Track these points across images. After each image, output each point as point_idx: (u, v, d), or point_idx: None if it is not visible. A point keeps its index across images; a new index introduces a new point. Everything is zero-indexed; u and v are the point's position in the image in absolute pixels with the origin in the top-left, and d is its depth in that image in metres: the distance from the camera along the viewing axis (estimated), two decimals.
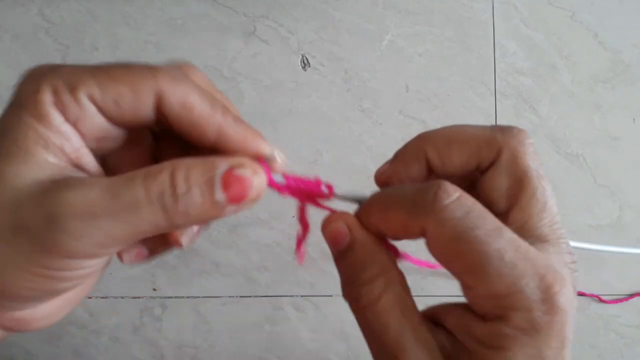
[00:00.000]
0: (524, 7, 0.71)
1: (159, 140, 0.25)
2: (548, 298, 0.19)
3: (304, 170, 0.66)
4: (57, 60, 0.66)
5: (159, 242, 0.23)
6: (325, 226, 0.24)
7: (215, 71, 0.67)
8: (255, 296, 0.63)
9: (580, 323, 0.66)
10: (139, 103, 0.20)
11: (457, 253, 0.19)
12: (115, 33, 0.67)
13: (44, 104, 0.19)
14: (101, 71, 0.20)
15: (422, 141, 0.24)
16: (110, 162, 0.24)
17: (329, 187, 0.24)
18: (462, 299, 0.21)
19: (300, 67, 0.68)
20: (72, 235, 0.18)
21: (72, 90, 0.19)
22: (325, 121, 0.67)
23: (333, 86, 0.68)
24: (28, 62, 0.66)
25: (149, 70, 0.20)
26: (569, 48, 0.70)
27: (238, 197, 0.20)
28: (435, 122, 0.68)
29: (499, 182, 0.22)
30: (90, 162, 0.21)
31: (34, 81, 0.20)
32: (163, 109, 0.20)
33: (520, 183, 0.21)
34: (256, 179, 0.20)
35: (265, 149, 0.22)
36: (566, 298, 0.19)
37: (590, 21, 0.71)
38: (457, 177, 0.23)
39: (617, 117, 0.70)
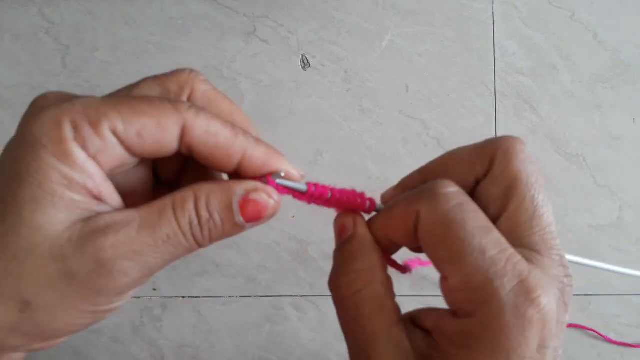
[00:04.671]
0: (524, 7, 0.71)
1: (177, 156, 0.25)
2: (523, 303, 0.18)
3: (304, 170, 0.66)
4: (57, 60, 0.66)
5: None
6: (337, 219, 0.25)
7: (215, 71, 0.67)
8: (255, 296, 0.63)
9: (580, 322, 0.66)
10: (163, 135, 0.20)
11: (442, 239, 0.20)
12: (115, 33, 0.67)
13: (66, 142, 0.19)
14: (123, 104, 0.20)
15: (422, 172, 0.25)
16: (115, 178, 0.24)
17: (371, 201, 0.25)
18: None
19: (300, 67, 0.68)
20: (123, 275, 0.20)
21: (94, 124, 0.19)
22: (325, 121, 0.67)
23: (333, 86, 0.68)
24: (28, 62, 0.66)
25: (170, 103, 0.21)
26: (569, 48, 0.70)
27: (256, 218, 0.22)
28: (435, 122, 0.68)
29: (490, 190, 0.22)
30: (110, 193, 0.21)
31: (50, 116, 0.19)
32: (188, 138, 0.21)
33: (509, 190, 0.21)
34: (271, 201, 0.22)
35: (288, 167, 0.24)
36: (545, 307, 0.19)
37: (590, 21, 0.71)
38: None
39: (617, 117, 0.70)
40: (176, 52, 0.67)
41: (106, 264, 0.19)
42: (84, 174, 0.19)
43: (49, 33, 0.67)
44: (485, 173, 0.22)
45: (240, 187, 0.21)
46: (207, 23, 0.68)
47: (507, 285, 0.19)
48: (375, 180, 0.66)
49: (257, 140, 0.23)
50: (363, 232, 0.24)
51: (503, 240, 0.20)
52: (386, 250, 0.24)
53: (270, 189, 0.22)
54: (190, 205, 0.21)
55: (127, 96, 0.21)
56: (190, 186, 0.21)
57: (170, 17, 0.68)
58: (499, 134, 0.69)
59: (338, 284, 0.23)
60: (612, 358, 0.66)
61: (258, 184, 0.22)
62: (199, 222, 0.21)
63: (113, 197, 0.21)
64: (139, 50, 0.67)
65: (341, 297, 0.23)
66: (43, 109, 0.19)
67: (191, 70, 0.23)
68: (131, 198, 0.23)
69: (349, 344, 0.23)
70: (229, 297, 0.63)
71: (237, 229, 0.22)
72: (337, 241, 0.25)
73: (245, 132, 0.22)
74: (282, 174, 0.23)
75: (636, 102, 0.70)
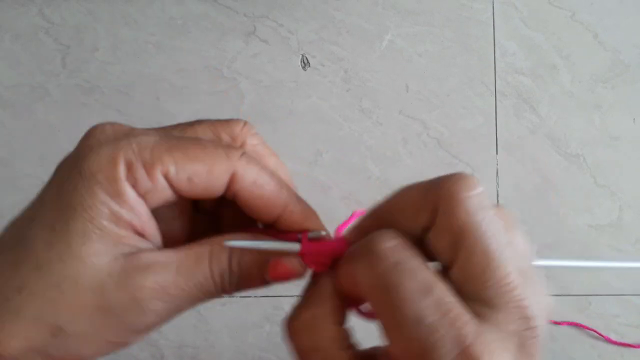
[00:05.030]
0: (524, 7, 0.71)
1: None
2: None
3: (304, 170, 0.66)
4: (57, 60, 0.66)
5: None
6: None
7: (216, 71, 0.67)
8: (255, 296, 0.63)
9: (580, 323, 0.66)
10: (213, 182, 0.21)
11: (379, 306, 0.19)
12: (115, 33, 0.67)
13: (119, 181, 0.20)
14: (177, 148, 0.21)
15: (373, 216, 0.23)
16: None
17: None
18: None
19: (300, 67, 0.68)
20: (154, 314, 0.21)
21: (148, 167, 0.20)
22: (325, 121, 0.67)
23: (333, 86, 0.68)
24: (28, 62, 0.66)
25: (223, 149, 0.21)
26: (568, 48, 0.70)
27: (281, 279, 0.23)
28: (435, 122, 0.68)
29: (436, 242, 0.20)
30: (153, 231, 0.22)
31: (108, 154, 0.20)
32: (235, 186, 0.22)
33: (456, 243, 0.19)
34: (300, 268, 0.23)
35: (321, 228, 0.24)
36: None
37: (590, 21, 0.71)
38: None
39: (617, 117, 0.70)
40: (176, 52, 0.67)
41: (142, 303, 0.20)
42: (132, 213, 0.20)
43: (49, 33, 0.67)
44: (430, 222, 0.20)
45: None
46: (207, 23, 0.68)
47: (447, 356, 0.18)
48: (375, 180, 0.66)
49: (299, 198, 0.23)
50: (325, 279, 0.23)
51: (447, 299, 0.18)
52: (354, 300, 0.23)
53: (299, 260, 0.23)
54: (226, 259, 0.22)
55: (181, 138, 0.21)
56: (224, 236, 0.22)
57: (171, 18, 0.68)
58: (499, 134, 0.69)
59: (289, 326, 0.22)
60: (612, 358, 0.66)
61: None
62: (230, 275, 0.22)
63: (154, 235, 0.22)
64: (139, 50, 0.67)
65: (291, 343, 0.22)
66: (101, 144, 0.20)
67: (245, 123, 0.24)
68: (170, 226, 0.23)
69: None
70: (229, 297, 0.63)
71: (263, 285, 0.23)
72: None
73: (289, 189, 0.23)
74: (324, 233, 0.23)
75: (636, 102, 0.70)
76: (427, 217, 0.20)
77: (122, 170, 0.20)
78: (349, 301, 0.22)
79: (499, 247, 0.19)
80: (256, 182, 0.22)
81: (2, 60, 0.66)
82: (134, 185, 0.20)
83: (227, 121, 0.23)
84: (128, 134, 0.21)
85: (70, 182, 0.20)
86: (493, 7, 0.70)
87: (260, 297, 0.63)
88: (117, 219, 0.20)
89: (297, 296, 0.23)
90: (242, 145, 0.23)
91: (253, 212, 0.23)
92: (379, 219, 0.22)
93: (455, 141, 0.68)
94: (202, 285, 0.21)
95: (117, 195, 0.20)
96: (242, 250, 0.22)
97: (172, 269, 0.21)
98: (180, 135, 0.22)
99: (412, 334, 0.18)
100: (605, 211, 0.68)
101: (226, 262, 0.22)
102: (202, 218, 0.25)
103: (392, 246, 0.19)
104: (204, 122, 0.23)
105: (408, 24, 0.69)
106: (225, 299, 0.63)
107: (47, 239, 0.20)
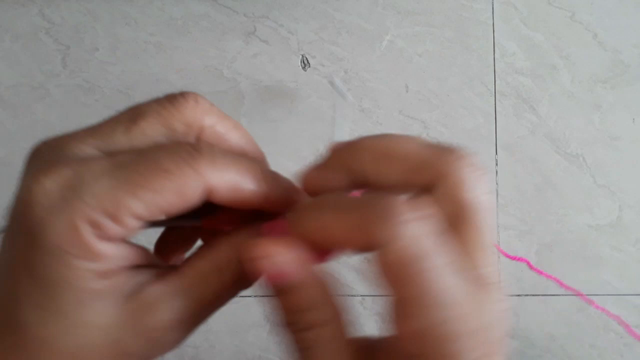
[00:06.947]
0: (523, 7, 0.71)
1: None
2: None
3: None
4: (57, 60, 0.66)
5: None
6: (262, 258, 0.21)
7: (215, 71, 0.67)
8: (255, 296, 0.63)
9: (580, 322, 0.66)
10: (187, 203, 0.19)
11: (404, 277, 0.17)
12: (115, 33, 0.67)
13: (90, 245, 0.18)
14: (137, 185, 0.18)
15: (354, 150, 0.21)
16: None
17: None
18: None
19: (300, 67, 0.68)
20: (174, 342, 0.21)
21: (115, 218, 0.18)
22: (326, 121, 0.67)
23: (333, 86, 0.68)
24: (28, 62, 0.66)
25: (187, 165, 0.19)
26: (568, 48, 0.71)
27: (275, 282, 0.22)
28: (435, 122, 0.68)
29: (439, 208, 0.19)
30: (146, 257, 0.21)
31: (65, 223, 0.18)
32: (212, 197, 0.20)
33: (457, 217, 0.19)
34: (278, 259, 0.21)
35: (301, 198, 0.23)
36: None
37: (590, 21, 0.71)
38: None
39: (616, 117, 0.70)
40: (176, 52, 0.67)
41: (160, 339, 0.20)
42: (116, 260, 0.19)
43: (49, 33, 0.67)
44: (429, 186, 0.19)
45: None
46: (207, 23, 0.68)
47: (469, 341, 0.18)
48: None
49: (276, 181, 0.22)
50: (313, 276, 0.21)
51: (460, 275, 0.18)
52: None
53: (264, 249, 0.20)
54: (234, 265, 0.21)
55: (137, 163, 0.19)
56: (228, 241, 0.21)
57: (171, 17, 0.68)
58: (499, 134, 0.69)
59: (297, 338, 0.22)
60: (611, 358, 0.66)
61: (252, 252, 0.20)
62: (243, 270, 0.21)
63: (148, 257, 0.21)
64: (139, 50, 0.67)
65: (301, 347, 0.22)
66: (51, 210, 0.18)
67: (196, 99, 0.21)
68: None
69: None
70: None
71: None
72: (275, 287, 0.22)
73: (267, 178, 0.21)
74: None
75: (636, 102, 0.70)
76: (428, 179, 0.19)
77: (88, 232, 0.18)
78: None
79: (489, 224, 0.19)
80: (234, 187, 0.20)
81: (2, 60, 0.66)
82: (109, 239, 0.19)
83: (174, 104, 0.21)
84: (74, 186, 0.18)
85: (36, 258, 0.18)
86: (493, 7, 0.70)
87: (261, 296, 0.63)
88: (104, 275, 0.19)
89: None
90: (200, 133, 0.21)
91: (234, 208, 0.22)
92: (364, 158, 0.20)
93: (455, 141, 0.68)
94: (219, 297, 0.21)
95: (93, 257, 0.18)
96: (248, 247, 0.20)
97: (180, 298, 0.20)
98: (132, 157, 0.19)
99: (441, 312, 0.17)
100: (605, 211, 0.68)
101: (236, 267, 0.21)
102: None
103: (421, 214, 0.17)
104: (149, 114, 0.21)
105: (408, 24, 0.69)
106: None
107: (43, 321, 0.18)
